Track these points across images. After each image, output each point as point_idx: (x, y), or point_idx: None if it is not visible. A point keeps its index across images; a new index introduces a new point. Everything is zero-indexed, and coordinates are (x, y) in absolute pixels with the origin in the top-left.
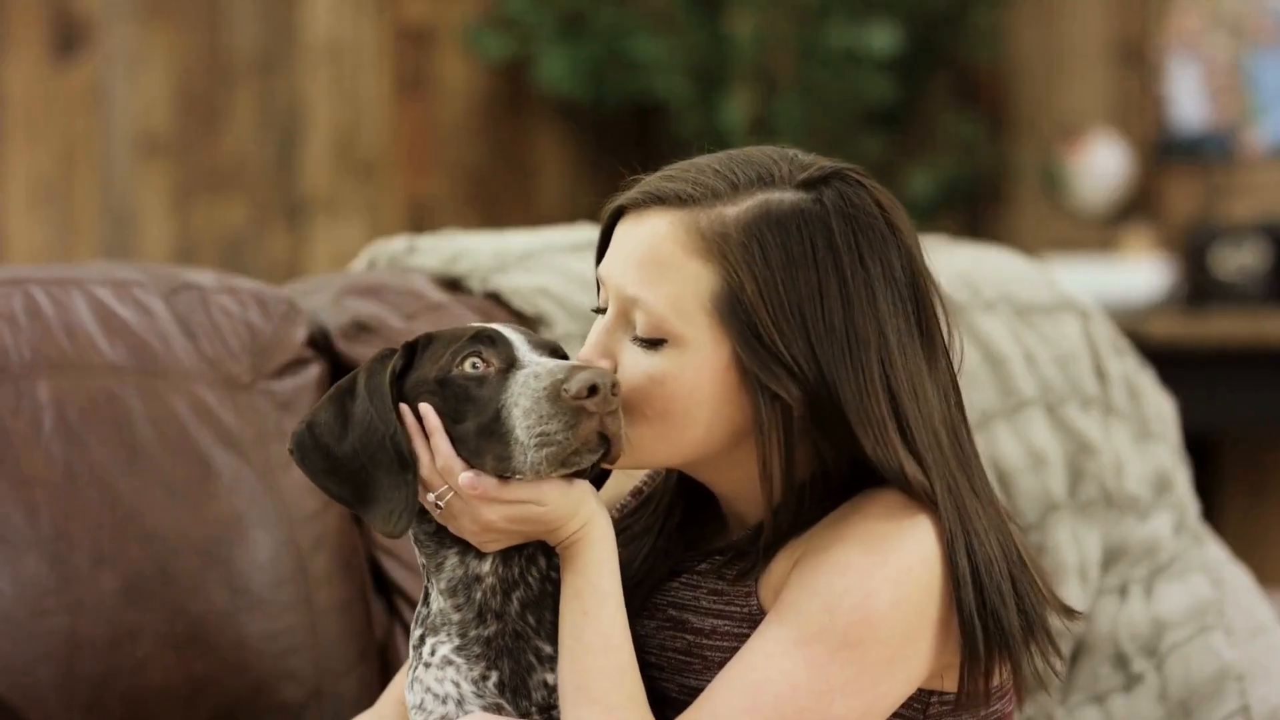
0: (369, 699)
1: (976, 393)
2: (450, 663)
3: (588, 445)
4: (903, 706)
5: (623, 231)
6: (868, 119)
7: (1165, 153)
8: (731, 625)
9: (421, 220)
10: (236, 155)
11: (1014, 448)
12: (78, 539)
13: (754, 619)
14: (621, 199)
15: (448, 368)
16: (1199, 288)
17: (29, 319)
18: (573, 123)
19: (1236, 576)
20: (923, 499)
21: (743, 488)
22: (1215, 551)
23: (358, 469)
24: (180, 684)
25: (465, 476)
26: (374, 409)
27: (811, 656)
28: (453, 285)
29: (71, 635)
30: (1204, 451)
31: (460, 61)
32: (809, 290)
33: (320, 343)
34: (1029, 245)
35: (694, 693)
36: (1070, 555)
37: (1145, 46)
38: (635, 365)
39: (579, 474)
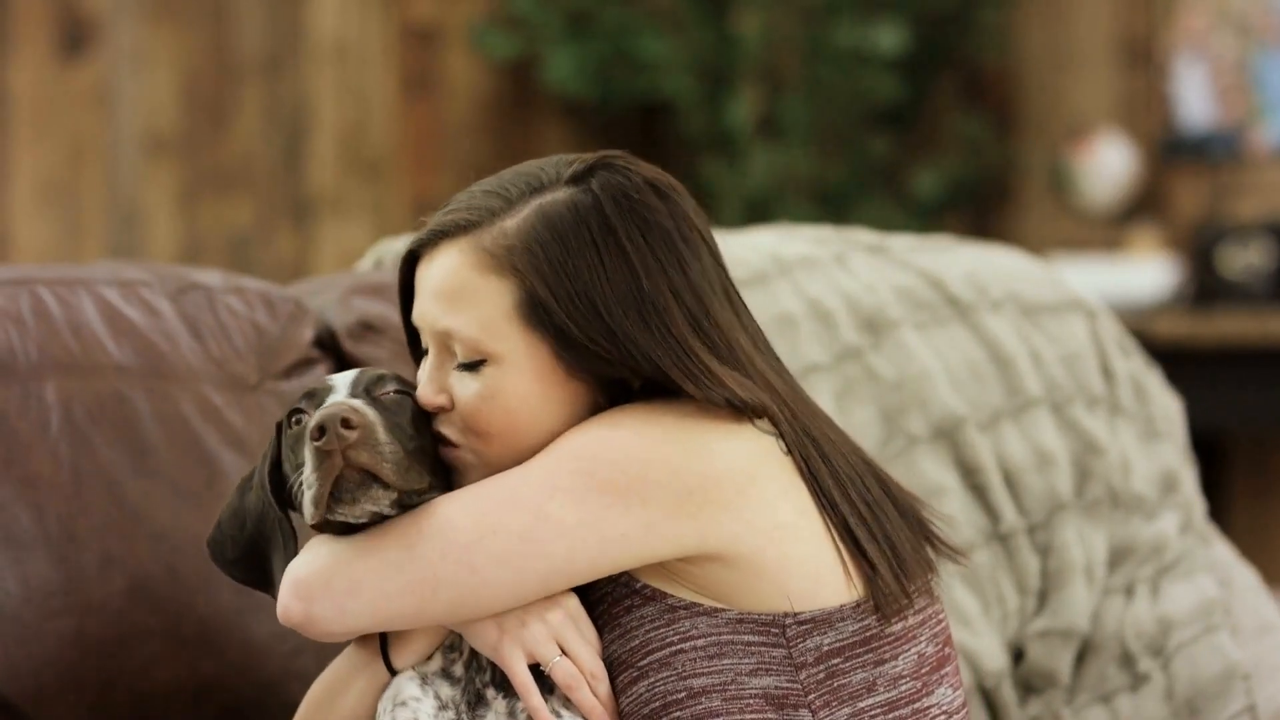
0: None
1: (983, 392)
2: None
3: (346, 482)
4: (760, 631)
5: (421, 273)
6: (874, 118)
7: (1172, 152)
8: (588, 588)
9: (428, 220)
10: (243, 154)
11: (1020, 447)
12: (85, 539)
13: None
14: (410, 244)
15: (283, 433)
16: (1205, 287)
17: (36, 319)
18: (579, 122)
19: (1243, 576)
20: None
21: None
22: (1222, 551)
23: (257, 555)
24: (188, 684)
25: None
26: (262, 495)
27: (547, 462)
28: None
29: (79, 636)
30: (1210, 451)
31: (467, 61)
32: (593, 275)
33: (327, 343)
34: (1035, 245)
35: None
36: (1077, 555)
37: (1152, 46)
38: (465, 390)
39: (360, 524)
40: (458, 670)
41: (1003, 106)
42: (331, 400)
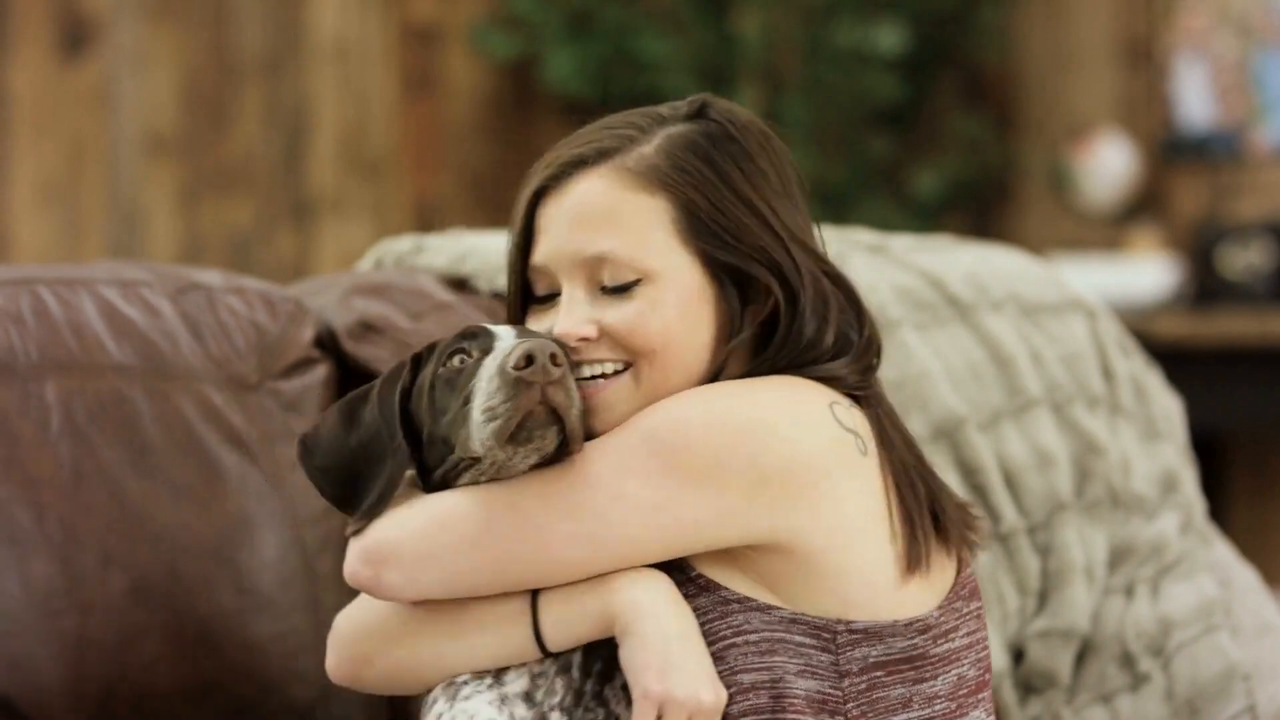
0: (376, 700)
1: (983, 392)
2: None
3: (534, 419)
4: (812, 633)
5: (552, 209)
6: (875, 118)
7: (1172, 152)
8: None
9: (428, 219)
10: (243, 155)
11: (1021, 447)
12: (85, 540)
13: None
14: (537, 181)
15: (437, 368)
16: (1206, 287)
17: (36, 319)
18: (580, 122)
19: (1243, 576)
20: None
21: None
22: (1222, 551)
23: (354, 471)
24: (188, 685)
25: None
26: (381, 417)
27: (627, 442)
28: (460, 285)
29: (79, 636)
30: (1211, 451)
31: (467, 61)
32: (745, 189)
33: (327, 343)
34: (1036, 244)
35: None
36: (1077, 555)
37: (1152, 46)
38: (620, 312)
39: (546, 460)
40: (539, 694)
41: (1003, 106)
42: (504, 343)
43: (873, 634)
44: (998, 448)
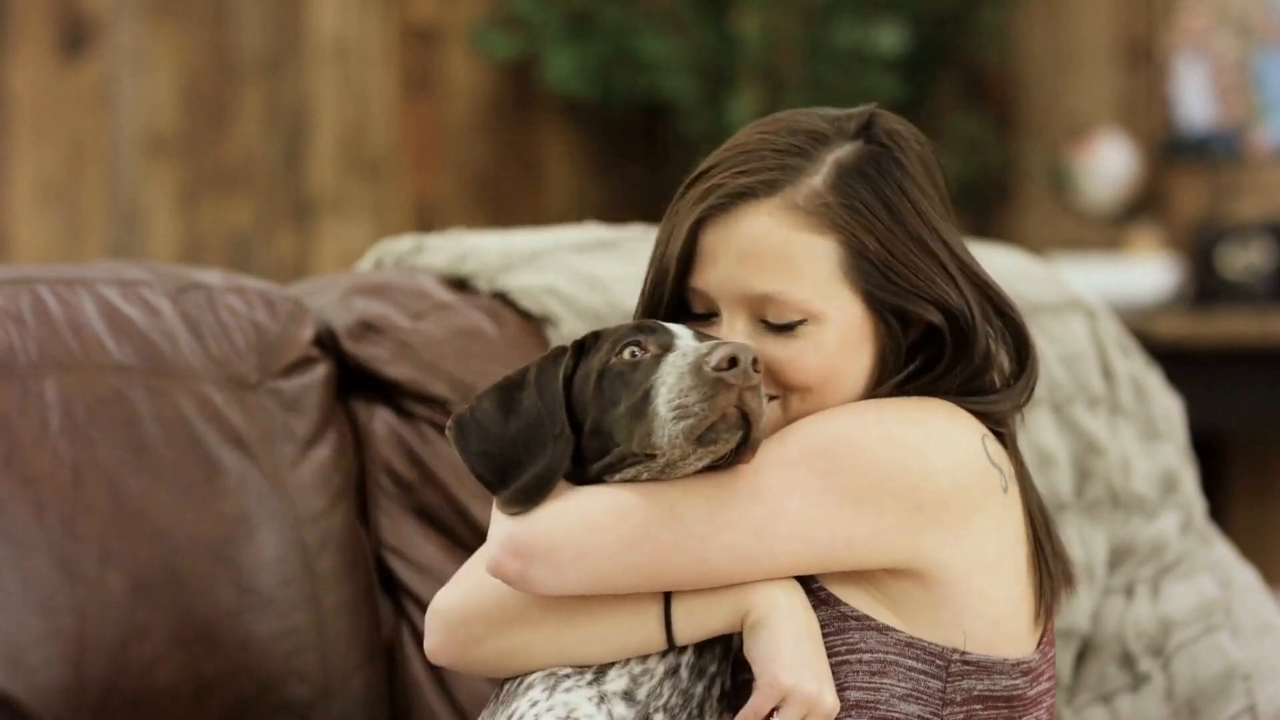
0: (377, 698)
1: None
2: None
3: (726, 421)
4: (926, 659)
5: (717, 237)
6: None
7: (1172, 152)
8: None
9: (428, 220)
10: (244, 155)
11: (1021, 447)
12: (85, 538)
13: None
14: (702, 209)
15: (607, 358)
16: (1206, 287)
17: (36, 318)
18: (580, 122)
19: (1243, 576)
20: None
21: None
22: (1222, 551)
23: (513, 457)
24: (188, 683)
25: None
26: (543, 404)
27: (789, 455)
28: (460, 285)
29: (79, 635)
30: (1211, 451)
31: (467, 61)
32: (915, 223)
33: (327, 342)
34: (1036, 244)
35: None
36: (1077, 555)
37: (1152, 46)
38: (782, 352)
39: (716, 463)
40: (641, 694)
41: (1003, 106)
42: (684, 341)
43: (983, 668)
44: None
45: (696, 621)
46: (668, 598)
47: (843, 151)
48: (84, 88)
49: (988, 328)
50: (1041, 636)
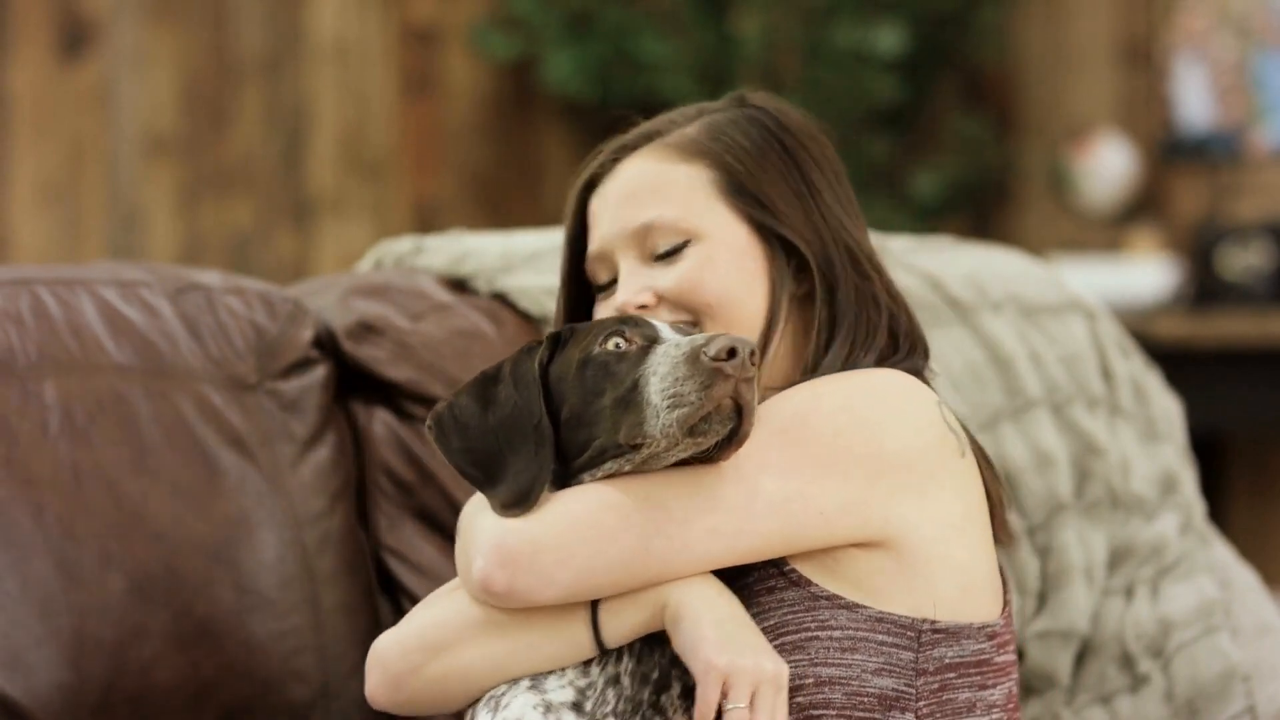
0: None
1: (983, 393)
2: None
3: (720, 412)
4: (896, 633)
5: (602, 196)
6: (874, 119)
7: (1172, 153)
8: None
9: (428, 220)
10: (243, 155)
11: (1020, 448)
12: (84, 539)
13: None
14: (586, 175)
15: (590, 348)
16: (1205, 288)
17: (35, 319)
18: (579, 123)
19: (1243, 577)
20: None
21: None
22: (1221, 552)
23: (494, 450)
24: (187, 684)
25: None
26: (519, 395)
27: (755, 435)
28: (459, 285)
29: (79, 636)
30: (1210, 452)
31: (467, 61)
32: (783, 165)
33: (326, 343)
34: (1035, 245)
35: None
36: (1076, 556)
37: (1151, 47)
38: (671, 275)
39: (704, 455)
40: (588, 705)
41: (1003, 107)
42: (668, 333)
43: (952, 634)
44: (997, 448)
45: (621, 622)
46: (595, 602)
47: (719, 113)
48: (84, 88)
49: (862, 282)
50: (1004, 604)
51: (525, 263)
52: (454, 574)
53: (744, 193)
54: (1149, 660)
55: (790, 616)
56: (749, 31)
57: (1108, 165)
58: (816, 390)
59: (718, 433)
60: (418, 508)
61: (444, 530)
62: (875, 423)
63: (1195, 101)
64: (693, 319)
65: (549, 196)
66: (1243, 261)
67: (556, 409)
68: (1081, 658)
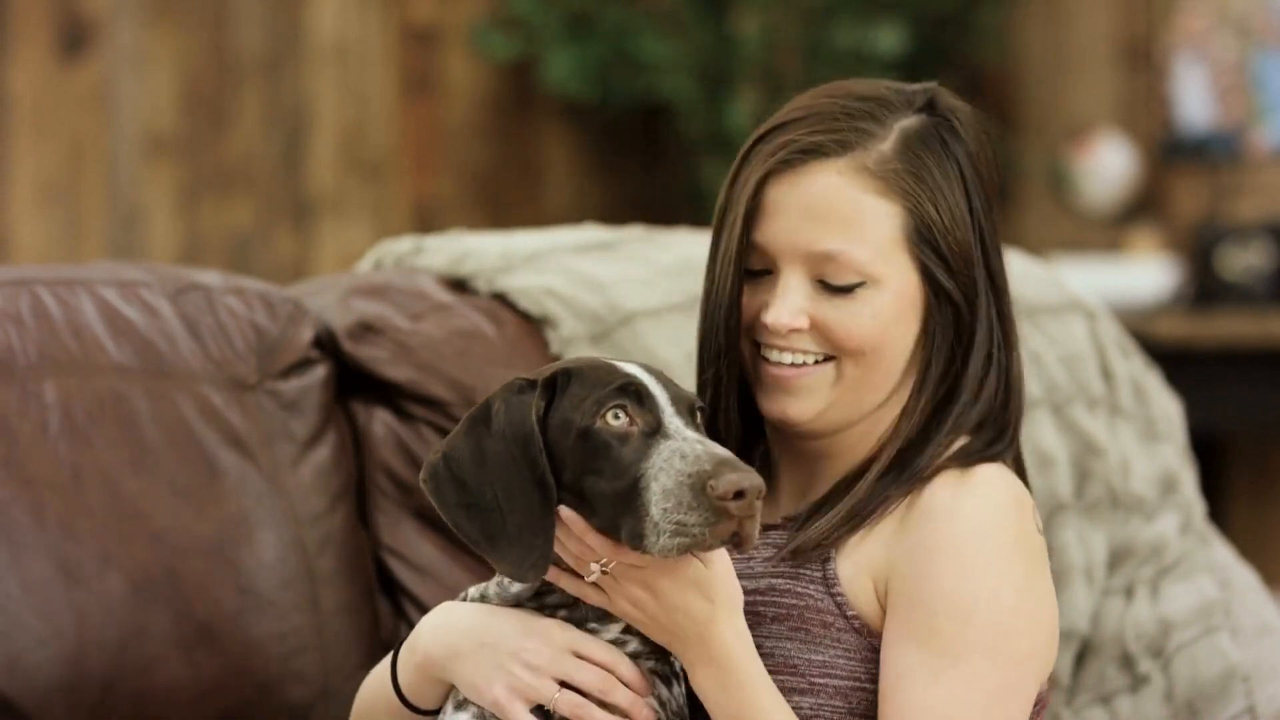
0: None
1: None
2: None
3: (721, 543)
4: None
5: (784, 193)
6: None
7: (1172, 153)
8: (797, 584)
9: (428, 220)
10: (243, 155)
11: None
12: (84, 540)
13: (827, 582)
14: (772, 162)
15: (591, 419)
16: (1205, 288)
17: (35, 319)
18: (579, 123)
19: (1243, 577)
20: (984, 451)
21: (852, 446)
22: (1221, 552)
23: (492, 508)
24: (187, 685)
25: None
26: (518, 451)
27: (965, 674)
28: (459, 286)
29: (78, 636)
30: (1210, 452)
31: (466, 62)
32: (969, 214)
33: (326, 343)
34: (1035, 245)
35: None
36: (1076, 556)
37: (1152, 47)
38: (837, 313)
39: None
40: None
41: (1003, 107)
42: (670, 421)
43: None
44: None
45: (418, 695)
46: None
47: (909, 121)
48: (84, 88)
49: (992, 350)
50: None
51: (525, 263)
52: (454, 573)
53: (930, 244)
54: (1149, 660)
55: (841, 659)
56: (749, 31)
57: (1108, 165)
58: (982, 583)
59: (714, 548)
60: (418, 508)
61: (444, 530)
62: (1028, 613)
63: (1195, 101)
64: (829, 354)
65: (549, 196)
66: (1243, 261)
67: (555, 466)
68: (1081, 658)
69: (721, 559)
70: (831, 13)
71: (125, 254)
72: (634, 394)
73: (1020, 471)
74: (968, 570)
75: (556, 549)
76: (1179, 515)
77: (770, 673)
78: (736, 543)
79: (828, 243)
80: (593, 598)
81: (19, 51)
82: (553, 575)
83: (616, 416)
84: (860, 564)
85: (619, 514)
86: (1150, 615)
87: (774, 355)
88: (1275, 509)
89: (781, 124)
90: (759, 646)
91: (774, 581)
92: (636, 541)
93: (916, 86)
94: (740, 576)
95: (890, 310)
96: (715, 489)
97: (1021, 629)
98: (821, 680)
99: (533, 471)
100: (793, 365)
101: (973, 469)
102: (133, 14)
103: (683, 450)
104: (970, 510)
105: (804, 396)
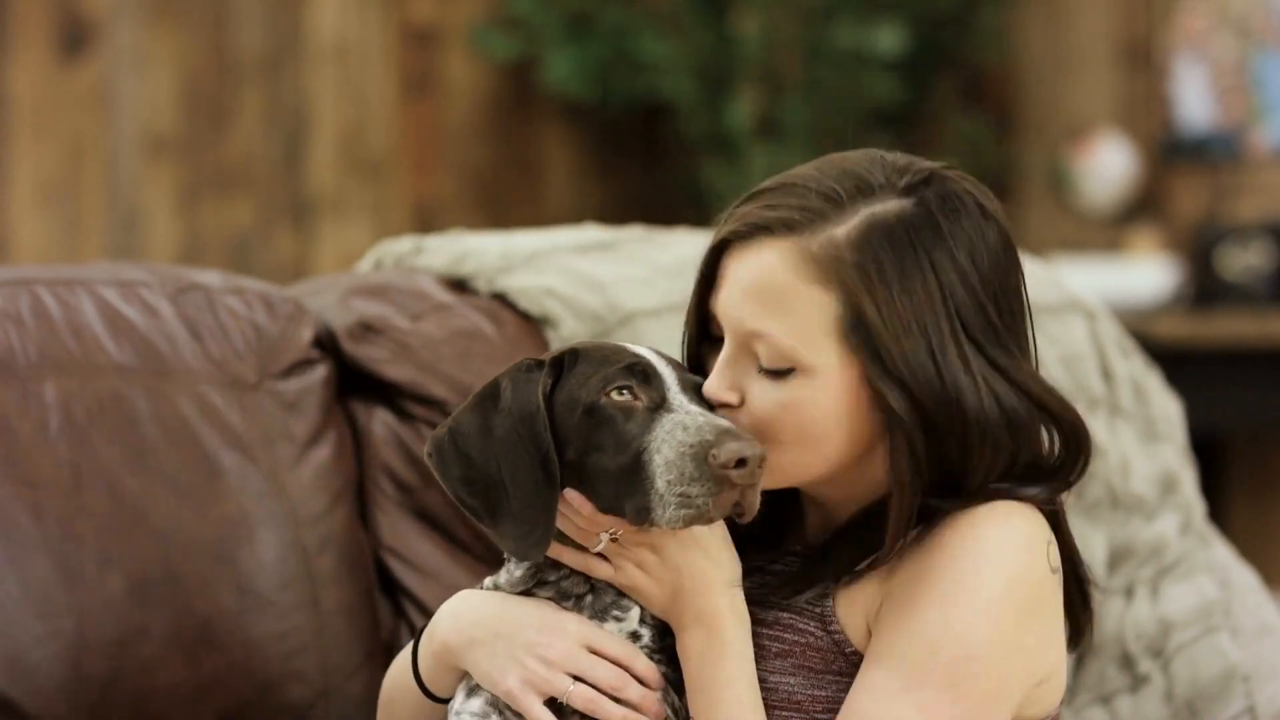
0: (375, 700)
1: None
2: None
3: (725, 512)
4: None
5: (733, 264)
6: (874, 119)
7: (1172, 153)
8: (798, 620)
9: (428, 220)
10: (243, 155)
11: None
12: (84, 540)
13: (824, 619)
14: (725, 232)
15: (596, 395)
16: (1205, 288)
17: (35, 319)
18: (579, 123)
19: (1243, 577)
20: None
21: (853, 493)
22: (1221, 552)
23: (495, 483)
24: (187, 684)
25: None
26: (523, 428)
27: (923, 701)
28: (459, 286)
29: (78, 636)
30: (1210, 452)
31: (466, 62)
32: (926, 298)
33: (326, 343)
34: (1036, 245)
35: None
36: None
37: (1151, 47)
38: (765, 396)
39: None
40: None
41: (1003, 107)
42: (675, 396)
43: None
44: None
45: (437, 683)
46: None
47: (883, 207)
48: (83, 88)
49: (979, 420)
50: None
51: (525, 263)
52: (454, 573)
53: (867, 339)
54: (1149, 660)
55: (843, 694)
56: (749, 31)
57: (1108, 165)
58: (959, 617)
59: (719, 518)
60: (418, 508)
61: (444, 530)
62: (1019, 633)
63: (1195, 101)
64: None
65: (549, 196)
66: (1243, 261)
67: (560, 444)
68: (1081, 657)
69: (721, 533)
70: (831, 13)
71: (125, 254)
72: (640, 373)
73: (1055, 518)
74: (949, 602)
75: (561, 525)
76: (1179, 515)
77: (776, 708)
78: (739, 513)
79: (755, 322)
80: (598, 570)
81: (19, 51)
82: (555, 551)
83: (621, 393)
84: (857, 601)
85: (623, 491)
86: (1150, 615)
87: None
88: (1275, 509)
89: (759, 191)
90: (764, 680)
91: (780, 615)
92: (643, 515)
93: (920, 166)
94: (752, 604)
95: (821, 406)
96: (718, 458)
97: (992, 669)
98: (825, 717)
99: (537, 449)
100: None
101: (989, 504)
102: (133, 14)
103: (684, 422)
104: (970, 544)
105: None
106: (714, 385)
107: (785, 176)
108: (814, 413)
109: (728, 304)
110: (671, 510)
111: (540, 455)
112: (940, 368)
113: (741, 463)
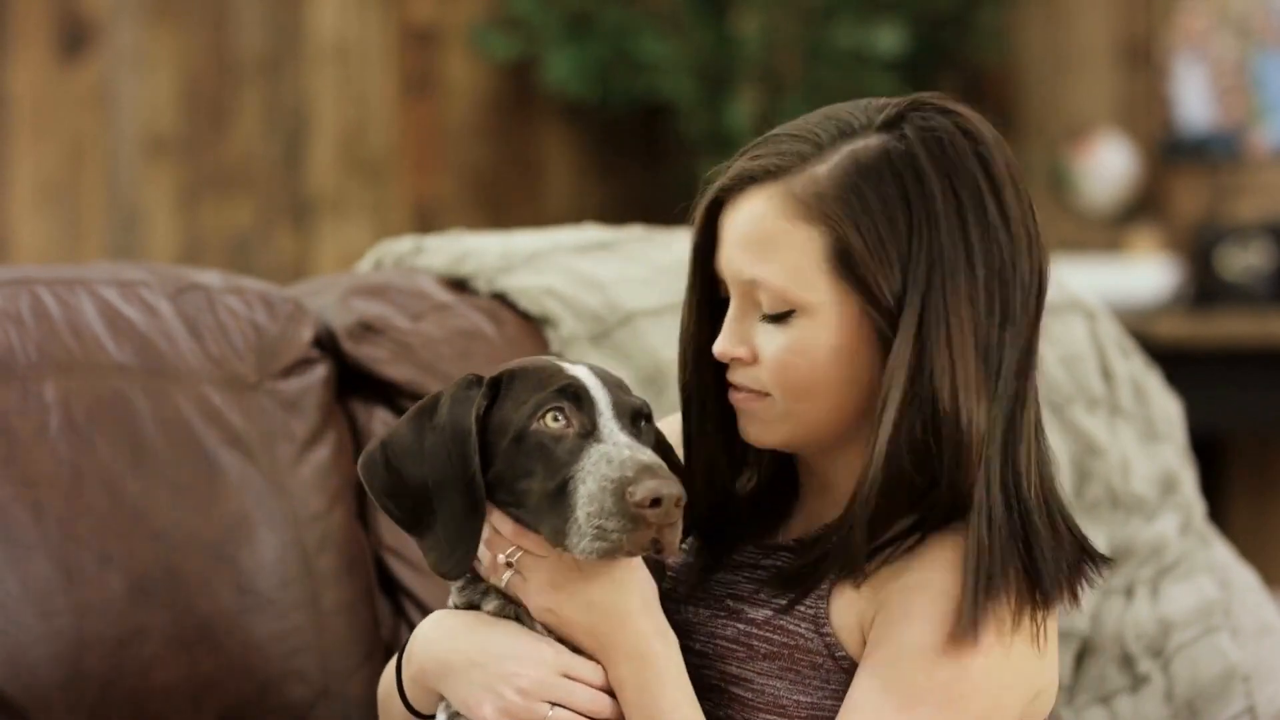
0: (375, 699)
1: None
2: None
3: (641, 549)
4: None
5: (727, 220)
6: None
7: (1172, 153)
8: (789, 621)
9: (428, 220)
10: (243, 155)
11: None
12: (84, 539)
13: (817, 621)
14: (714, 190)
15: (527, 421)
16: (1205, 288)
17: (35, 319)
18: (579, 123)
19: (1243, 577)
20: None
21: (855, 469)
22: (1221, 552)
23: (423, 499)
24: (187, 684)
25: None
26: (454, 446)
27: (917, 717)
28: (459, 286)
29: (78, 635)
30: (1210, 452)
31: (467, 62)
32: (908, 230)
33: (326, 343)
34: None
35: (735, 680)
36: None
37: (1151, 47)
38: (772, 343)
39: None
40: None
41: (1003, 107)
42: (606, 423)
43: None
44: None
45: (419, 701)
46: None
47: (864, 143)
48: (83, 88)
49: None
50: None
51: (525, 263)
52: None
53: (857, 269)
54: (1149, 660)
55: (830, 702)
56: (749, 31)
57: (1108, 165)
58: (937, 637)
59: (636, 555)
60: None
61: None
62: (997, 677)
63: (1195, 101)
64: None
65: (549, 196)
66: (1243, 261)
67: (487, 462)
68: (1081, 658)
69: (626, 559)
70: (831, 13)
71: (125, 254)
72: (573, 395)
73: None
74: (944, 620)
75: (486, 547)
76: (1179, 515)
77: (759, 710)
78: (658, 550)
79: (751, 269)
80: (508, 582)
81: (19, 51)
82: (485, 572)
83: (556, 419)
84: (851, 604)
85: (544, 512)
86: (1150, 615)
87: (732, 378)
88: (1275, 509)
89: (746, 148)
90: (749, 681)
91: (771, 615)
92: (559, 538)
93: (895, 101)
94: (742, 602)
95: (826, 343)
96: (633, 495)
97: (985, 689)
98: None
99: (465, 471)
100: (747, 390)
101: None
102: (133, 14)
103: (610, 455)
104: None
105: (759, 423)
106: (724, 343)
107: (776, 130)
108: (819, 354)
109: (725, 259)
110: (587, 541)
111: (467, 479)
112: (924, 300)
113: (656, 502)
